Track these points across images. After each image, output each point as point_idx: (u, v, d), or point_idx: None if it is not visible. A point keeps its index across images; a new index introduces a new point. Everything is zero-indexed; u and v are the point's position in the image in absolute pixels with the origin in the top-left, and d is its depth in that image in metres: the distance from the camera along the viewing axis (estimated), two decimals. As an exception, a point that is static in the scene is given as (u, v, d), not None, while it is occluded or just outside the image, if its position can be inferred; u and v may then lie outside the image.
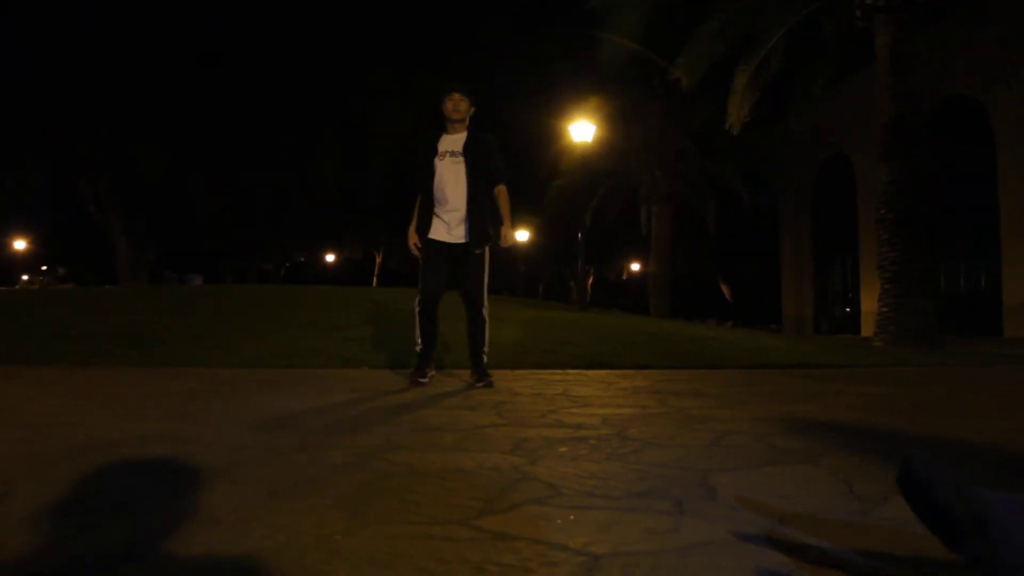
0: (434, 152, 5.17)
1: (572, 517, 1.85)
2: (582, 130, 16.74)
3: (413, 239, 5.22)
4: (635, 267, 41.54)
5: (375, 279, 38.65)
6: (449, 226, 5.12)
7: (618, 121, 22.64)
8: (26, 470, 2.39)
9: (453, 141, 5.16)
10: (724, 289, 37.78)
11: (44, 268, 42.29)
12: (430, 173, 5.13)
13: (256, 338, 7.91)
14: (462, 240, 5.11)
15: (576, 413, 3.72)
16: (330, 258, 43.13)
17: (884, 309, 11.76)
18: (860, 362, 7.83)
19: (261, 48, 23.90)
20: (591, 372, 6.27)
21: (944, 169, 15.91)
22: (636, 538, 1.68)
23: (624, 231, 30.16)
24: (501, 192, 5.25)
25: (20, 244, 36.63)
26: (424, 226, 5.16)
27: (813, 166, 27.47)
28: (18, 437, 3.01)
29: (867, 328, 19.19)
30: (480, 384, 4.98)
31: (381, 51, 26.70)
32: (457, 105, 5.14)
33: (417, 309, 5.13)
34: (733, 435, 3.11)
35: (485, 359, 5.16)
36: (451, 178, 5.11)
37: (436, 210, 5.15)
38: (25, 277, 41.57)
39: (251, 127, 24.87)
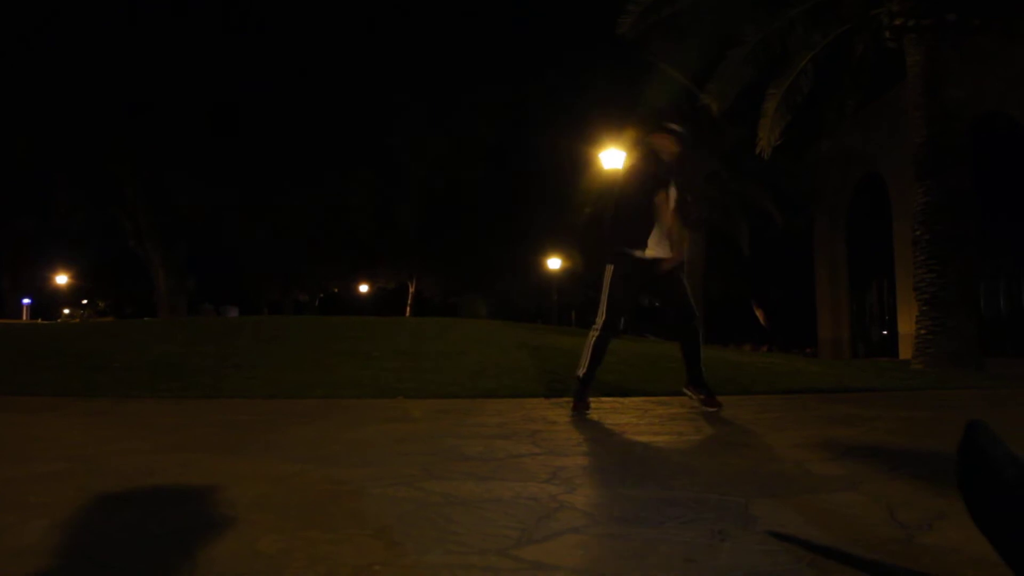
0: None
1: (609, 545, 1.84)
2: (613, 158, 16.76)
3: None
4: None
5: (408, 309, 38.85)
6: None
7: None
8: (70, 501, 2.43)
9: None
10: (759, 313, 37.39)
11: (85, 302, 43.07)
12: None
13: (292, 368, 7.97)
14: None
15: (613, 440, 3.70)
16: (364, 288, 43.42)
17: (922, 331, 11.56)
18: (899, 386, 7.69)
19: (299, 81, 24.33)
20: (626, 399, 6.23)
21: (983, 187, 15.67)
22: (675, 565, 1.67)
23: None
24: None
25: (62, 279, 37.43)
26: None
27: (847, 187, 27.18)
28: (60, 469, 3.07)
29: (905, 351, 18.82)
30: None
31: (416, 80, 27.04)
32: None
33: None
34: (771, 462, 3.08)
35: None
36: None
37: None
38: (67, 311, 42.39)
39: (286, 159, 25.25)
